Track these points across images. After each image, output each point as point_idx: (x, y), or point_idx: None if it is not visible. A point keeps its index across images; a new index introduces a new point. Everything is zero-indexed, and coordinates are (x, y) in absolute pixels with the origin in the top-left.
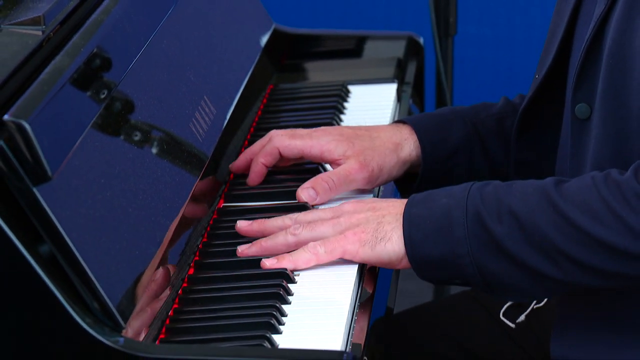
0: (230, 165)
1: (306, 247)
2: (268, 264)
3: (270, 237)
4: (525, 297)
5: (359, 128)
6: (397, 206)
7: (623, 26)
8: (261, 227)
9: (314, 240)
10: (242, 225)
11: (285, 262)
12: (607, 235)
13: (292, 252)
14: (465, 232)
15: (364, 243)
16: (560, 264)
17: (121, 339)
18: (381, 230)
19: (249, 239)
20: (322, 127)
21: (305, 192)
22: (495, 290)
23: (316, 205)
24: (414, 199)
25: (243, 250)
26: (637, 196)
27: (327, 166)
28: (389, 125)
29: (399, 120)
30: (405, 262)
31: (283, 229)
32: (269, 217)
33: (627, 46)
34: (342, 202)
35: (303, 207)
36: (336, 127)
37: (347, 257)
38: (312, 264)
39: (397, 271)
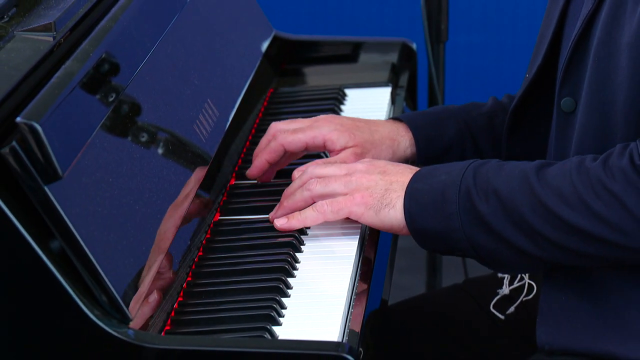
0: (246, 173)
1: (315, 206)
2: (279, 224)
3: (289, 197)
4: (515, 270)
5: (359, 120)
6: (405, 174)
7: (609, 25)
8: (286, 197)
9: (326, 195)
10: (271, 214)
11: (294, 222)
12: (575, 219)
13: (302, 211)
14: (457, 208)
15: (370, 207)
16: (539, 243)
17: (128, 331)
18: (387, 197)
19: (252, 235)
20: (323, 116)
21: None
22: (489, 263)
23: None
24: (419, 173)
25: (271, 215)
26: (602, 184)
27: None
28: (386, 121)
29: (394, 118)
30: (406, 231)
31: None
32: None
33: (613, 44)
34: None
35: None
36: (336, 116)
37: (352, 217)
38: (320, 221)
39: (392, 265)
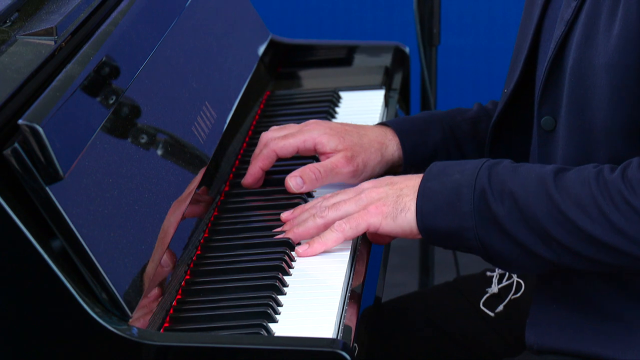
0: (242, 182)
1: (333, 227)
2: (301, 250)
3: (300, 224)
4: (522, 270)
5: (347, 125)
6: (413, 179)
7: (583, 45)
8: (292, 227)
9: (340, 218)
10: (279, 230)
11: (316, 246)
12: (593, 229)
13: (321, 235)
14: (472, 208)
15: (386, 215)
16: (553, 248)
17: (128, 328)
18: (401, 202)
19: (249, 235)
20: (312, 121)
21: (293, 180)
22: (496, 262)
23: (302, 193)
24: (430, 172)
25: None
26: (621, 195)
27: None
28: (374, 125)
29: (381, 123)
30: (416, 232)
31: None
32: (269, 212)
33: (587, 65)
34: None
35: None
36: (325, 121)
37: (371, 229)
38: (341, 241)
39: (385, 263)
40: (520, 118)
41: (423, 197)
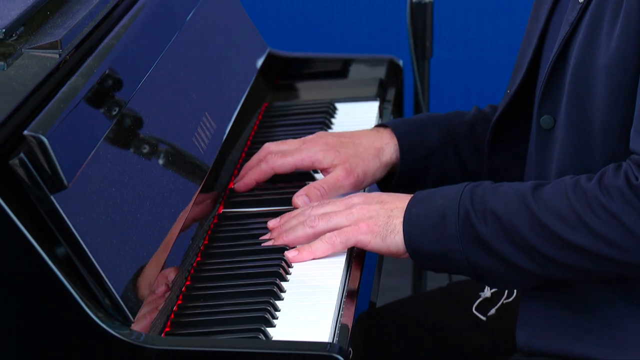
0: (234, 186)
1: (323, 238)
2: (290, 255)
3: (289, 231)
4: (510, 286)
5: (342, 135)
6: (403, 200)
7: (586, 46)
8: (284, 231)
9: (330, 230)
10: (266, 238)
11: (305, 253)
12: (574, 237)
13: (311, 243)
14: (457, 230)
15: (376, 234)
16: (537, 261)
17: (130, 332)
18: (391, 223)
19: (247, 242)
20: (310, 137)
21: (300, 199)
22: (485, 280)
23: None
24: (415, 198)
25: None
26: (599, 203)
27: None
28: (370, 130)
29: (380, 125)
30: (403, 252)
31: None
32: (267, 220)
33: (589, 65)
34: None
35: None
36: (321, 135)
37: (359, 246)
38: (329, 252)
39: (380, 269)
40: (521, 119)
41: (409, 222)
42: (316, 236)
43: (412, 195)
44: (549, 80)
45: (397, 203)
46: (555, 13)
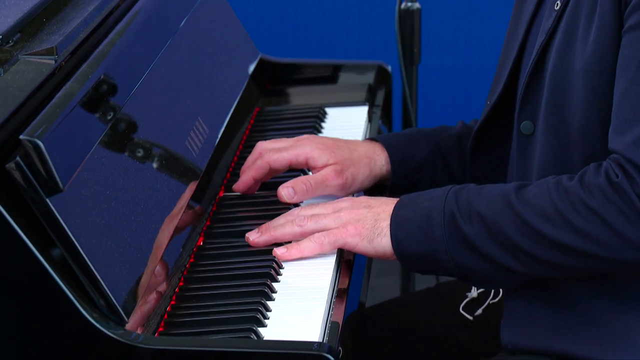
0: (233, 187)
1: (312, 237)
2: (279, 252)
3: (278, 227)
4: (496, 286)
5: (338, 140)
6: (389, 204)
7: (562, 51)
8: (273, 227)
9: (318, 231)
10: (251, 235)
11: (293, 251)
12: (558, 235)
13: (299, 242)
14: (443, 232)
15: (363, 237)
16: (521, 259)
17: (124, 332)
18: (378, 226)
19: (240, 243)
20: (305, 136)
21: (285, 190)
22: (471, 280)
23: (293, 203)
24: (401, 202)
25: (254, 239)
26: (581, 201)
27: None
28: (363, 141)
29: (371, 138)
30: (390, 254)
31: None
32: (259, 222)
33: (566, 70)
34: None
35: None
36: (317, 136)
37: (346, 248)
38: (317, 252)
39: (369, 270)
40: (502, 127)
41: (396, 225)
42: (304, 235)
43: (398, 199)
44: (527, 87)
45: (384, 206)
46: (534, 24)
